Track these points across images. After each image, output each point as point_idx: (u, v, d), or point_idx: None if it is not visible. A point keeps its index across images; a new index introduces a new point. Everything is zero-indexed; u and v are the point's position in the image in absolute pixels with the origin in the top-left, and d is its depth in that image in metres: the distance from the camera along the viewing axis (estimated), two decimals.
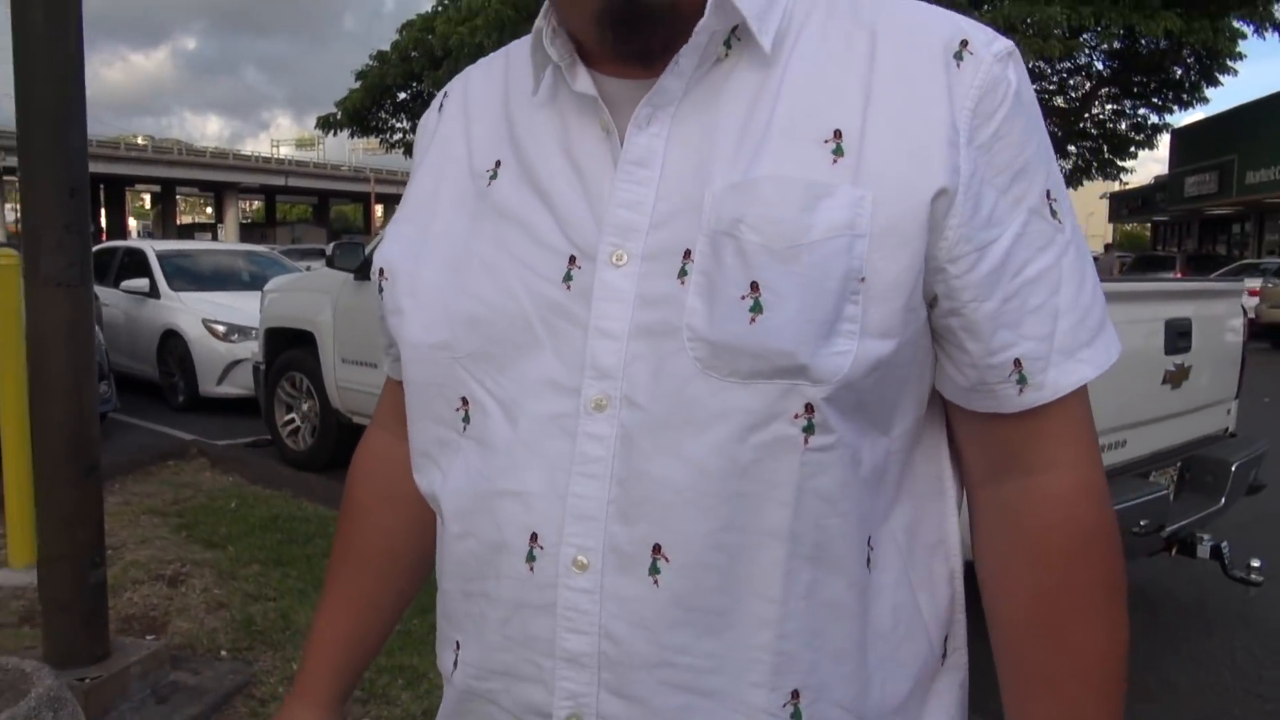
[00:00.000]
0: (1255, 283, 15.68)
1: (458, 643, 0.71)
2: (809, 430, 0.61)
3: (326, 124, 21.58)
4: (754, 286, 0.60)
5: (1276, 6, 16.61)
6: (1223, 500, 3.43)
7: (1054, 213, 0.66)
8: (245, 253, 10.49)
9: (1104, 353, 0.68)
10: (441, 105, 0.80)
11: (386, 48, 20.21)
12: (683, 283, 0.62)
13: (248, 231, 53.69)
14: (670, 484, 0.61)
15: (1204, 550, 3.34)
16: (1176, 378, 3.32)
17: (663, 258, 0.62)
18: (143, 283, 8.67)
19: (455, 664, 0.72)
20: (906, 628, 0.69)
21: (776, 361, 0.60)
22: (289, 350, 6.12)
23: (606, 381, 0.62)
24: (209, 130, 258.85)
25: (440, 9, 18.92)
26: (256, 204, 75.19)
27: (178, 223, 59.81)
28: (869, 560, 0.66)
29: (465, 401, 0.69)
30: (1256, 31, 17.74)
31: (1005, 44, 0.66)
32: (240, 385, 7.74)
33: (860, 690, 0.66)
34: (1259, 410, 7.59)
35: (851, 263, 0.60)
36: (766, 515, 0.62)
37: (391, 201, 62.86)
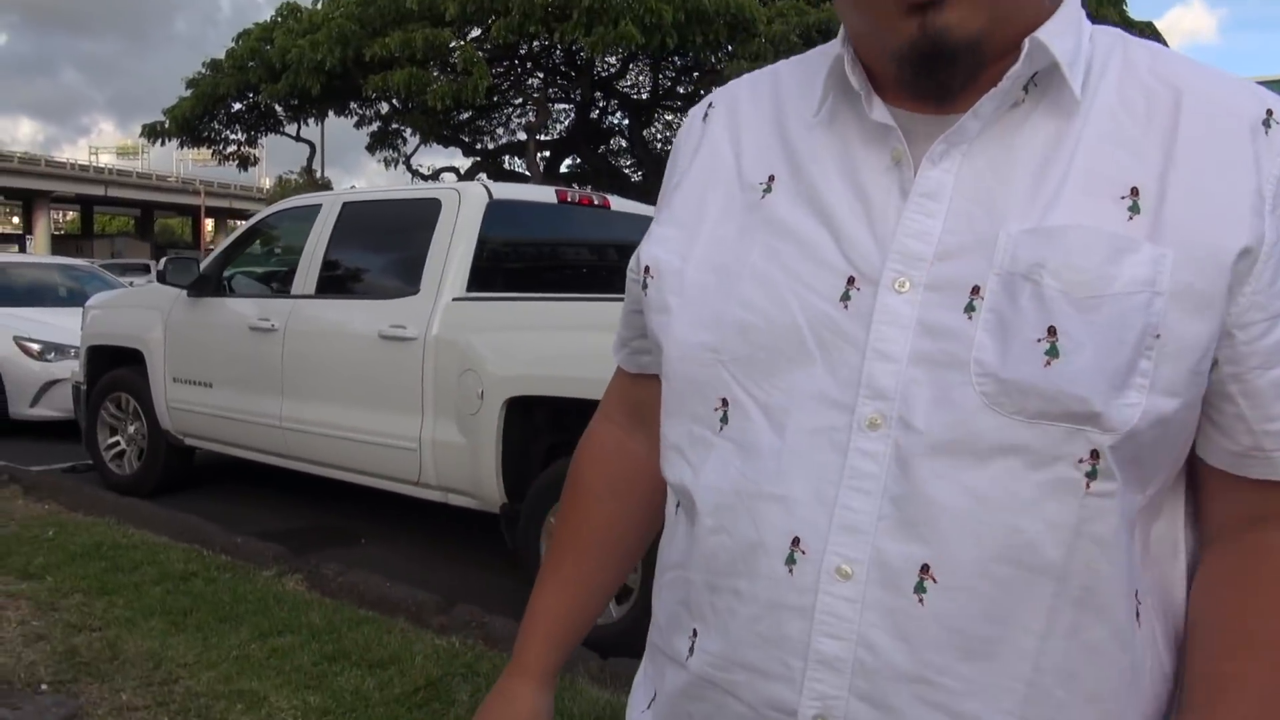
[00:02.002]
0: None
1: (695, 630, 0.73)
2: (1092, 475, 0.62)
3: (153, 133, 20.47)
4: (1051, 331, 0.61)
5: None
6: None
7: None
8: (61, 266, 9.86)
9: None
10: (706, 114, 0.82)
11: (221, 55, 19.39)
12: (970, 318, 0.63)
13: (61, 244, 49.86)
14: (946, 509, 0.63)
15: None
16: None
17: (947, 290, 0.64)
18: None
19: (691, 650, 0.73)
20: (1157, 686, 0.70)
21: (1069, 406, 0.61)
22: (114, 370, 5.81)
23: (882, 402, 0.64)
24: (20, 134, 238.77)
25: (280, 20, 18.33)
26: (72, 215, 70.04)
27: None
28: (1138, 614, 0.67)
29: (725, 402, 0.71)
30: None
31: None
32: (57, 407, 7.25)
33: None
34: None
35: (1150, 319, 0.61)
36: (1040, 552, 0.63)
37: (223, 215, 59.94)
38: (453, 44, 15.91)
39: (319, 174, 25.90)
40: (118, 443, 5.85)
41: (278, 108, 19.96)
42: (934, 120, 0.68)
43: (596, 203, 5.04)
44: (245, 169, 23.10)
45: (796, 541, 0.66)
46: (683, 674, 0.74)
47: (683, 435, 0.74)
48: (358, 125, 20.52)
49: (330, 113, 20.21)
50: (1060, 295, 0.62)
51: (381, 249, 4.90)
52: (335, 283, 4.86)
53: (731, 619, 0.70)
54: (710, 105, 0.83)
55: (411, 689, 2.94)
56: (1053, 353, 0.61)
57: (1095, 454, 0.62)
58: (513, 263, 4.91)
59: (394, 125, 20.30)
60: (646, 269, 0.78)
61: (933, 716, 0.64)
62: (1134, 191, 0.64)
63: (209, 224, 55.02)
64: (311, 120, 21.16)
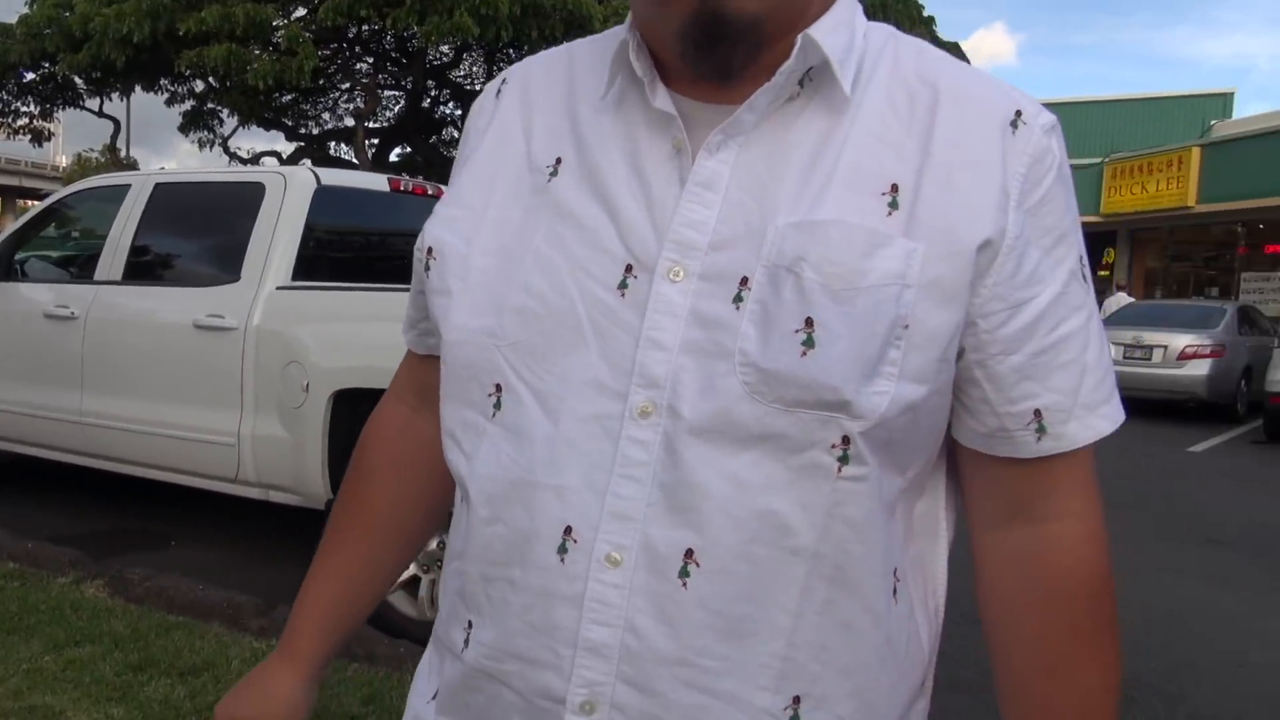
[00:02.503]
0: None
1: (470, 622, 0.73)
2: (843, 460, 0.65)
3: None
4: (808, 322, 0.64)
5: None
6: None
7: (1084, 277, 0.71)
8: None
9: (1118, 410, 0.73)
10: (499, 91, 0.81)
11: (12, 20, 17.72)
12: (738, 308, 0.65)
13: None
14: (710, 494, 0.65)
15: None
16: None
17: (718, 280, 0.66)
18: None
19: (466, 642, 0.73)
20: (913, 658, 0.74)
21: (822, 395, 0.64)
22: None
23: (653, 390, 0.66)
24: None
25: None
26: None
27: None
28: (895, 591, 0.71)
29: (499, 388, 0.71)
30: None
31: (1051, 117, 0.71)
32: None
33: (865, 707, 0.70)
34: None
35: (899, 310, 0.64)
36: (794, 534, 0.65)
37: (12, 194, 54.79)
38: (276, 22, 15.17)
39: (124, 153, 24.11)
40: None
41: (78, 80, 18.43)
42: (715, 110, 0.69)
43: (431, 192, 4.95)
44: (39, 144, 21.23)
45: (569, 530, 0.67)
46: (459, 666, 0.75)
47: (458, 422, 0.75)
48: (169, 103, 19.22)
49: (138, 88, 18.84)
50: (819, 287, 0.64)
51: (198, 234, 4.64)
52: (145, 268, 4.57)
53: (505, 609, 0.70)
54: (504, 82, 0.82)
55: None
56: (809, 343, 0.64)
57: (847, 440, 0.65)
58: (341, 251, 4.76)
59: (210, 105, 19.13)
60: (429, 250, 0.77)
61: (693, 697, 0.67)
62: (894, 188, 0.66)
63: None
64: (116, 95, 19.67)
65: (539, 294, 0.70)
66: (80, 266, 4.93)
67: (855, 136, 0.68)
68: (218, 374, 4.00)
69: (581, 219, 0.70)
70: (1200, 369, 11.15)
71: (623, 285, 0.68)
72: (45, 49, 16.97)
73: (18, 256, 5.06)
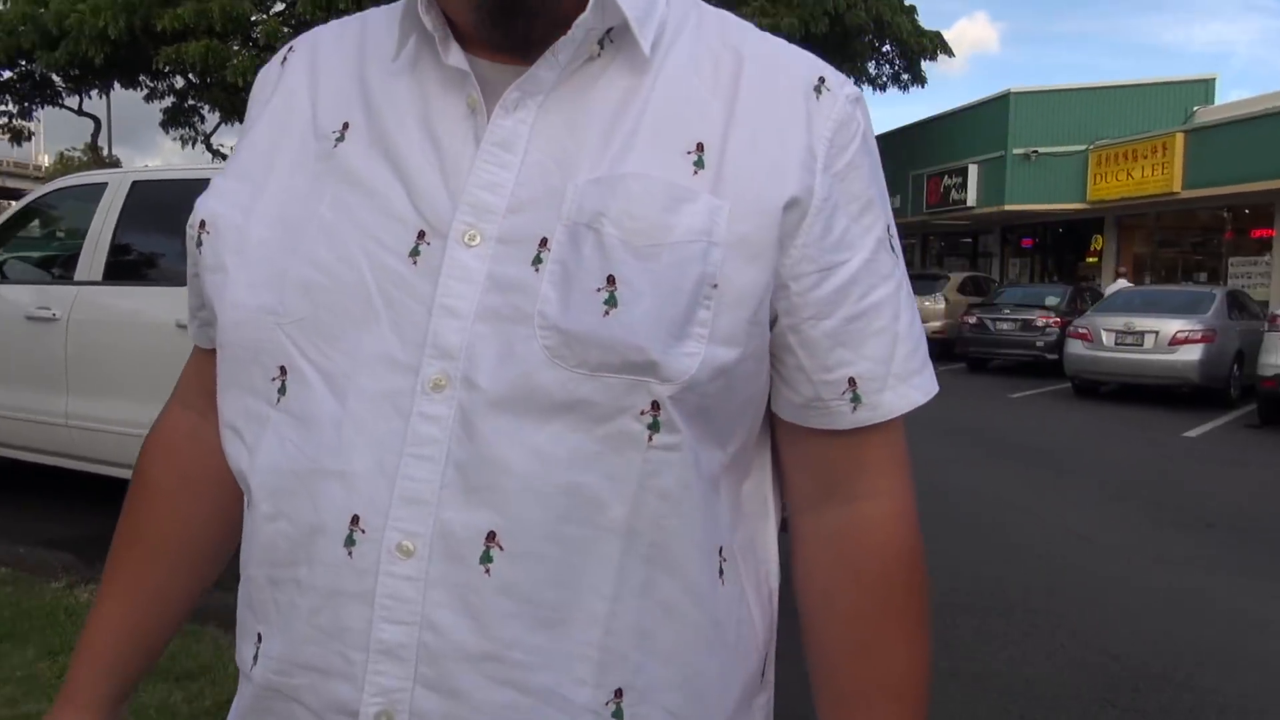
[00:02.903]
0: None
1: (259, 634, 0.67)
2: (654, 428, 0.62)
3: None
4: (610, 280, 0.61)
5: (870, 64, 19.26)
6: None
7: (893, 247, 0.71)
8: None
9: (931, 382, 0.72)
10: (285, 59, 0.76)
11: None
12: (537, 270, 0.61)
13: None
14: (510, 470, 0.60)
15: None
16: None
17: (517, 243, 0.62)
18: None
19: (255, 658, 0.67)
20: (746, 644, 0.71)
21: (627, 356, 0.60)
22: None
23: (447, 361, 0.61)
24: None
25: None
26: None
27: None
28: (721, 571, 0.67)
29: (283, 371, 0.65)
30: (856, 83, 20.46)
31: (856, 90, 0.71)
32: None
33: (694, 698, 0.66)
34: None
35: (706, 268, 0.62)
36: (605, 509, 0.62)
37: None
38: (254, 17, 15.02)
39: (106, 151, 23.87)
40: None
41: (55, 77, 18.23)
42: (511, 70, 0.66)
43: None
44: (19, 144, 21.01)
45: (356, 520, 0.61)
46: (249, 686, 0.68)
47: (239, 412, 0.68)
48: (149, 99, 19.04)
49: (117, 85, 18.65)
50: (620, 244, 0.61)
51: (177, 232, 4.49)
52: (125, 268, 4.49)
53: (292, 615, 0.64)
54: (290, 50, 0.77)
55: (225, 699, 2.76)
56: (611, 302, 0.61)
57: (656, 405, 0.62)
58: None
59: (191, 101, 18.96)
60: (202, 223, 0.70)
61: (504, 695, 0.61)
62: (699, 147, 0.64)
63: None
64: (95, 93, 19.45)
65: (324, 266, 0.64)
66: (60, 266, 4.84)
67: (659, 97, 0.66)
68: None
69: (370, 185, 0.65)
70: (1192, 354, 11.17)
71: (415, 252, 0.63)
72: (21, 46, 16.75)
73: None
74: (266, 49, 14.81)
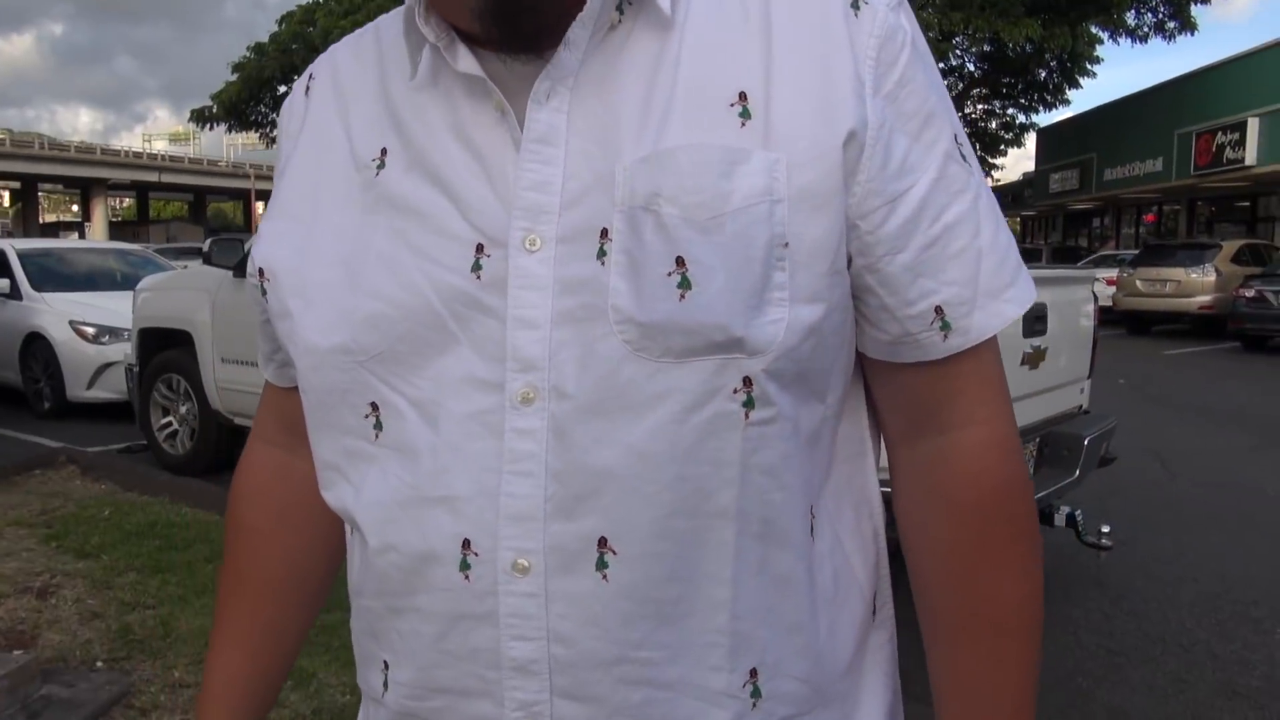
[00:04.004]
0: (1111, 273, 16.63)
1: (386, 662, 0.67)
2: (749, 405, 0.60)
3: (201, 118, 20.79)
4: (679, 262, 0.58)
5: (1130, 14, 17.63)
6: (1077, 472, 3.68)
7: (963, 156, 0.65)
8: (116, 251, 10.02)
9: (1026, 291, 0.67)
10: (308, 88, 0.74)
11: (265, 39, 19.55)
12: (603, 264, 0.59)
13: (118, 230, 51.00)
14: (611, 474, 0.59)
15: (1060, 519, 3.58)
16: (1034, 359, 3.53)
17: (579, 239, 0.60)
18: (3, 284, 8.19)
19: (385, 685, 0.67)
20: (846, 591, 0.69)
21: (711, 336, 0.58)
22: (165, 351, 5.89)
23: (532, 373, 0.59)
24: (79, 123, 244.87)
25: (321, 1, 18.41)
26: (128, 201, 71.60)
27: (40, 221, 56.48)
28: (812, 529, 0.66)
29: (375, 407, 0.64)
30: (1112, 37, 18.83)
31: None
32: (112, 389, 7.40)
33: (814, 660, 0.66)
34: (1115, 391, 8.10)
35: (774, 229, 0.59)
36: (712, 496, 0.60)
37: None
38: None
39: None
40: (170, 423, 5.95)
41: None
42: (531, 62, 0.61)
43: None
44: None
45: (467, 544, 0.61)
46: (382, 712, 0.68)
47: (337, 452, 0.67)
48: None
49: None
50: (681, 221, 0.58)
51: None
52: None
53: (418, 641, 0.64)
54: (311, 77, 0.74)
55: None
56: (685, 284, 0.58)
57: (748, 381, 0.59)
58: None
59: None
60: (261, 272, 0.69)
61: (639, 693, 0.61)
62: (742, 97, 0.60)
63: (260, 206, 55.83)
64: None
65: (389, 297, 0.62)
66: None
67: (689, 52, 0.62)
68: None
69: (419, 207, 0.63)
70: None
71: (476, 267, 0.61)
72: (294, 62, 18.61)
73: None
74: None
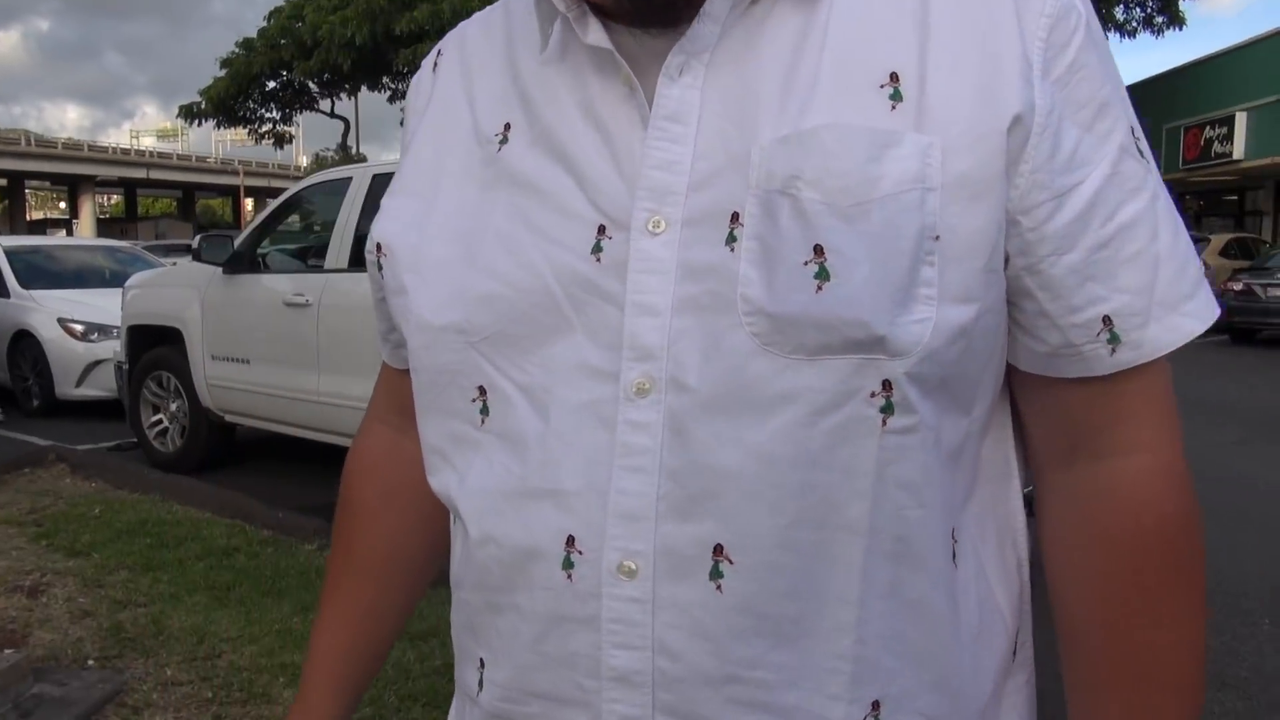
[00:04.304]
0: None
1: (482, 659, 0.64)
2: (887, 410, 0.55)
3: (190, 114, 20.68)
4: (817, 250, 0.54)
5: (1118, 9, 17.63)
6: None
7: (1140, 151, 0.60)
8: (104, 248, 9.98)
9: (1208, 305, 0.61)
10: (436, 64, 0.72)
11: (254, 34, 19.46)
12: (733, 250, 0.55)
13: (106, 227, 50.74)
14: (732, 476, 0.55)
15: None
16: None
17: (707, 223, 0.56)
18: None
19: (480, 684, 0.64)
20: (989, 625, 0.64)
21: (849, 334, 0.54)
22: (154, 348, 5.86)
23: (649, 363, 0.56)
24: (67, 120, 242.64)
25: None
26: (116, 198, 71.24)
27: (28, 218, 56.15)
28: (954, 554, 0.61)
29: (483, 391, 0.61)
30: None
31: None
32: (101, 387, 7.37)
33: (948, 698, 0.60)
34: None
35: (925, 219, 0.54)
36: (842, 508, 0.56)
37: (263, 194, 60.68)
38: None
39: (354, 150, 25.99)
40: (160, 421, 5.92)
41: (311, 84, 20.07)
42: (665, 36, 0.58)
43: None
44: (281, 147, 23.34)
45: (571, 540, 0.57)
46: (476, 711, 0.66)
47: (443, 436, 0.65)
48: (391, 100, 20.54)
49: (364, 88, 20.23)
50: (823, 207, 0.54)
51: None
52: None
53: (516, 641, 0.61)
54: (439, 53, 0.72)
55: (452, 660, 2.92)
56: (822, 275, 0.53)
57: (888, 384, 0.54)
58: None
59: None
60: (379, 247, 0.68)
61: (750, 717, 0.56)
62: (894, 77, 0.56)
63: (249, 203, 55.60)
64: (345, 95, 21.22)
65: (505, 276, 0.60)
66: (313, 256, 5.30)
67: (837, 28, 0.57)
68: None
69: (540, 184, 0.60)
70: None
71: (597, 249, 0.58)
72: (282, 58, 18.53)
73: (260, 250, 5.50)
74: None
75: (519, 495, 0.59)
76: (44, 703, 2.61)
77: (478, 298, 0.61)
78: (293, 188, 5.76)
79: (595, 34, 0.59)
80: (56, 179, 54.14)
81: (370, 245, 0.70)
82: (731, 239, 0.55)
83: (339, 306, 4.72)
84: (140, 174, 55.09)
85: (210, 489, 4.89)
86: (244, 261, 5.33)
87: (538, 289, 0.59)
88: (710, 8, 0.57)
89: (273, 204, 5.81)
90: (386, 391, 0.82)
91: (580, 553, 0.57)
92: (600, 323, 0.57)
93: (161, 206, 72.32)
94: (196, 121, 20.94)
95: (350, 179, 5.04)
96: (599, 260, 0.58)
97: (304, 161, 51.82)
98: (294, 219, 5.89)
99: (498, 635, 0.62)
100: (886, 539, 0.56)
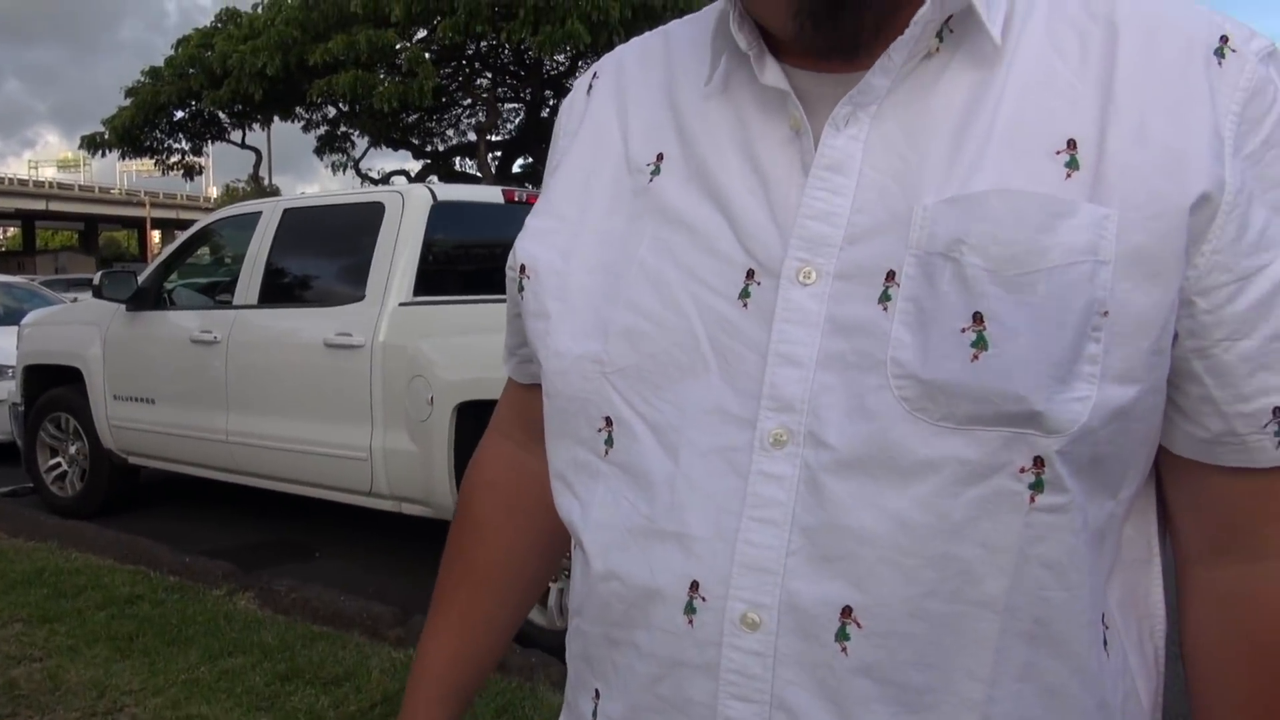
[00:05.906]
0: None
1: (597, 690, 0.64)
2: (1037, 488, 0.53)
3: (93, 144, 20.00)
4: (977, 318, 0.52)
5: None
6: None
7: None
8: None
9: None
10: (591, 86, 0.72)
11: (160, 63, 19.00)
12: (885, 309, 0.54)
13: (2, 261, 48.61)
14: (868, 539, 0.54)
15: None
16: None
17: (859, 278, 0.55)
18: None
19: (595, 715, 0.64)
20: None
21: (1003, 406, 0.52)
22: (52, 389, 5.63)
23: (788, 415, 0.55)
24: None
25: (220, 25, 18.01)
26: (13, 231, 68.34)
27: None
28: (1105, 641, 0.58)
29: (609, 422, 0.61)
30: None
31: (1266, 42, 0.57)
32: None
33: None
34: None
35: (1094, 293, 0.52)
36: (979, 582, 0.54)
37: (170, 226, 58.95)
38: (398, 45, 15.73)
39: (267, 181, 25.48)
40: (59, 464, 5.68)
41: (221, 114, 19.63)
42: (835, 79, 0.58)
43: None
44: (191, 179, 22.70)
45: (695, 586, 0.56)
46: None
47: (567, 462, 0.65)
48: (305, 130, 20.24)
49: (275, 118, 19.90)
50: (986, 274, 0.52)
51: (325, 255, 4.79)
52: (278, 291, 4.74)
53: (632, 679, 0.60)
54: (595, 76, 0.72)
55: (368, 705, 2.87)
56: (980, 343, 0.52)
57: (1039, 461, 0.53)
58: (461, 265, 4.83)
59: (342, 129, 20.03)
60: (522, 268, 0.68)
61: None
62: (1070, 144, 0.54)
63: (155, 235, 53.91)
64: (256, 126, 20.82)
65: (648, 312, 0.60)
66: (221, 292, 5.17)
67: (1014, 89, 0.56)
68: (349, 391, 4.11)
69: (691, 222, 0.60)
70: None
71: (744, 294, 0.57)
72: (191, 88, 18.12)
73: (166, 285, 5.35)
74: (410, 75, 15.48)
75: (644, 534, 0.59)
76: None
77: (619, 331, 0.61)
78: (201, 221, 5.63)
79: (772, 75, 0.59)
80: None
81: (513, 263, 0.69)
82: (885, 298, 0.54)
83: (249, 343, 4.61)
84: (39, 205, 52.99)
85: (112, 534, 4.71)
86: (149, 297, 5.18)
87: (681, 329, 0.59)
88: (888, 60, 0.56)
89: (180, 238, 5.66)
90: (509, 405, 0.83)
91: (703, 599, 0.57)
92: (739, 369, 0.57)
93: (62, 239, 69.62)
94: (100, 152, 20.28)
95: (260, 213, 4.95)
96: (745, 305, 0.57)
97: (214, 193, 50.62)
98: (203, 253, 5.74)
99: (614, 670, 0.62)
100: (1025, 619, 0.55)
